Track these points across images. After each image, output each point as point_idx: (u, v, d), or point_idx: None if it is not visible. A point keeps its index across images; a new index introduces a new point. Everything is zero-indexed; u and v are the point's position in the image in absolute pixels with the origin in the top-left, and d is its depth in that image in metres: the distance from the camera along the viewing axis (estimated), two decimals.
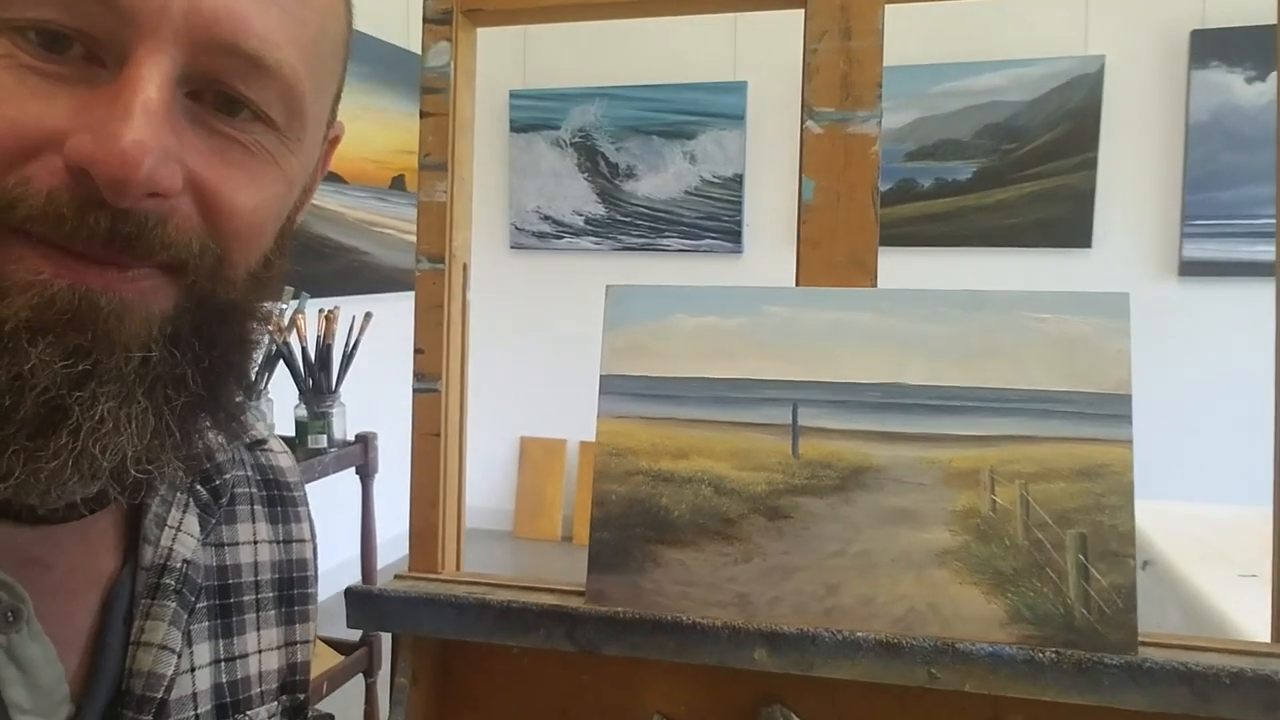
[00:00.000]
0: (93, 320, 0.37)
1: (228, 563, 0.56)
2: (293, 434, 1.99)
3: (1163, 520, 1.59)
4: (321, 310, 2.05)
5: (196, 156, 0.39)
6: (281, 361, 1.95)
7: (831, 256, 0.64)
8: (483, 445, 4.25)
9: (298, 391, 2.01)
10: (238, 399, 0.48)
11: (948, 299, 0.62)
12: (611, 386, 0.66)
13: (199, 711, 0.51)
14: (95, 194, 0.36)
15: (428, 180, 0.71)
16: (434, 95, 0.71)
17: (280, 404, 1.99)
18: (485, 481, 4.29)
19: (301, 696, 0.60)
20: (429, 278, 0.71)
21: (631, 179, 3.89)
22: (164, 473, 0.41)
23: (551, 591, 0.64)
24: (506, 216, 4.08)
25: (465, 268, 0.74)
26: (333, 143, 0.52)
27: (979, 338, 0.61)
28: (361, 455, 2.06)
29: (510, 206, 4.05)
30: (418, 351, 0.71)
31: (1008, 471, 0.59)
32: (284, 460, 0.63)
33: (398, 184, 3.67)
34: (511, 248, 4.08)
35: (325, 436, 1.99)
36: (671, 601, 0.61)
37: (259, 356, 0.49)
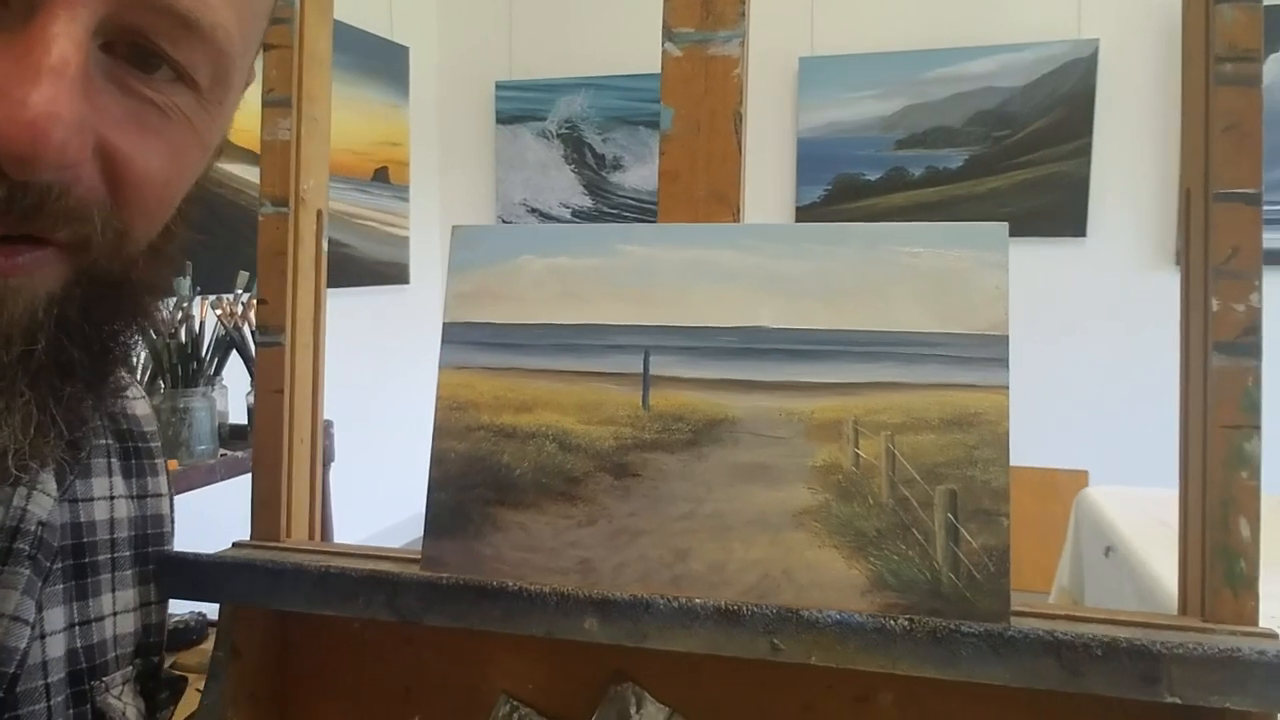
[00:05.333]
0: None
1: (82, 520, 0.51)
2: (246, 422, 1.94)
3: (1127, 505, 1.52)
4: None
5: (107, 120, 0.34)
6: (235, 350, 1.91)
7: (691, 190, 0.59)
8: None
9: (250, 379, 1.96)
10: (123, 374, 0.44)
11: (812, 234, 0.56)
12: (454, 335, 0.60)
13: (50, 680, 0.47)
14: None
15: (270, 118, 0.66)
16: (278, 25, 0.66)
17: (234, 391, 1.94)
18: None
19: (155, 659, 0.55)
20: (272, 222, 0.66)
21: (618, 170, 3.83)
22: (45, 464, 0.38)
23: (387, 559, 0.59)
24: (493, 209, 4.03)
25: (320, 214, 0.68)
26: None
27: (844, 275, 0.55)
28: None
29: (497, 199, 4.00)
30: (260, 302, 0.66)
31: (873, 422, 0.53)
32: (140, 408, 0.58)
33: (380, 176, 3.62)
34: None
35: None
36: (511, 568, 0.55)
37: (154, 330, 0.45)
